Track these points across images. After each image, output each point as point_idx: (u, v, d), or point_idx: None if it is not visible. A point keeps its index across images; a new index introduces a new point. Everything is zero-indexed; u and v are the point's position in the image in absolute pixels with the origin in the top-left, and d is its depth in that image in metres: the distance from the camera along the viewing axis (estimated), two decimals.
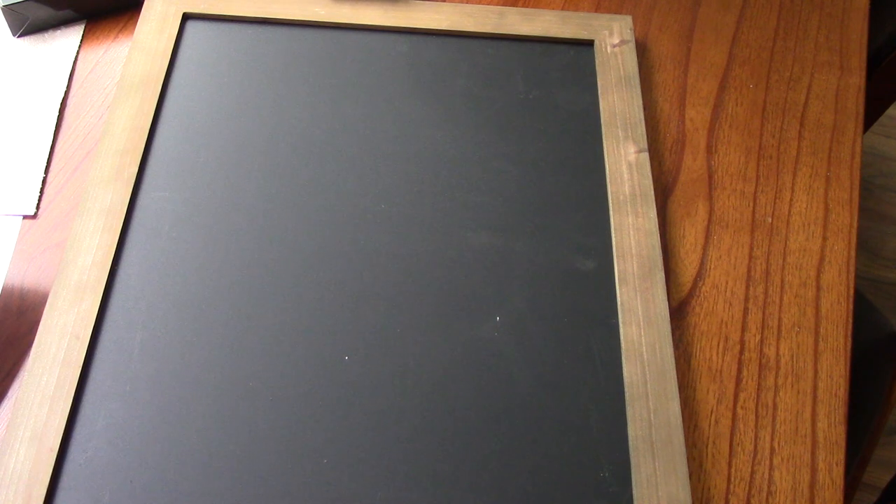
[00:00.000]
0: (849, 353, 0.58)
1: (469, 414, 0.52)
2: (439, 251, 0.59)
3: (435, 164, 0.63)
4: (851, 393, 0.57)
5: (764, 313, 0.60)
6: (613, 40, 0.70)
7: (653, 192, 0.62)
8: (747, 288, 0.61)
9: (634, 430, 0.52)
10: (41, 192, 0.62)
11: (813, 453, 0.54)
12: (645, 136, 0.64)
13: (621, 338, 0.55)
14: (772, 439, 0.55)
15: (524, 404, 0.53)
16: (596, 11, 0.75)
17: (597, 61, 0.69)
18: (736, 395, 0.56)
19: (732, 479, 0.53)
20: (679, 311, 0.59)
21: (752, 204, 0.65)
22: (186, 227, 0.59)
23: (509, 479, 0.50)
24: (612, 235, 0.60)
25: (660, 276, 0.58)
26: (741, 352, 0.58)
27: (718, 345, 0.58)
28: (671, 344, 0.55)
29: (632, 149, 0.64)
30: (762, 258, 0.62)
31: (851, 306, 0.60)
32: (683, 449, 0.51)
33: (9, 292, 0.57)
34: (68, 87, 0.68)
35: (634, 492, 0.50)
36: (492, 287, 0.57)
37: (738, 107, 0.71)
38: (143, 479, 0.49)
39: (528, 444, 0.52)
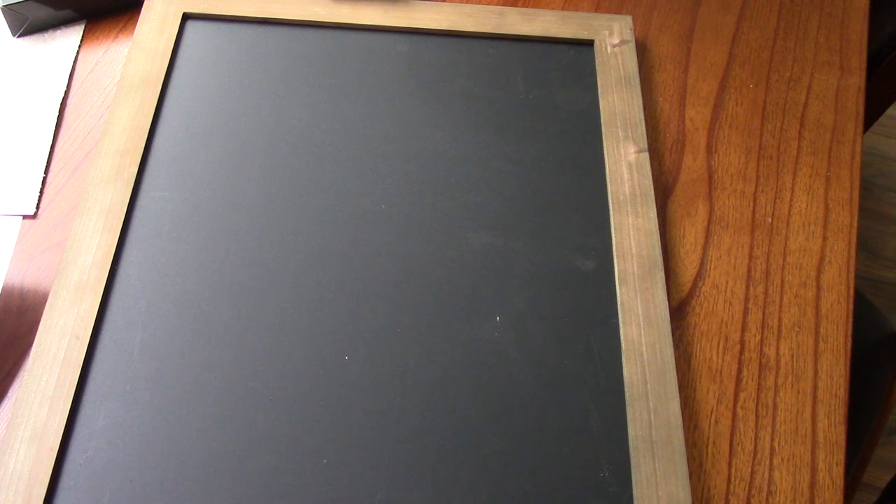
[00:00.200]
0: (849, 353, 0.58)
1: (469, 414, 0.52)
2: (439, 251, 0.59)
3: (435, 164, 0.63)
4: (851, 393, 0.57)
5: (764, 313, 0.60)
6: (613, 40, 0.70)
7: (653, 192, 0.62)
8: (747, 288, 0.61)
9: (634, 430, 0.52)
10: (41, 192, 0.62)
11: (813, 453, 0.54)
12: (645, 136, 0.64)
13: (621, 338, 0.55)
14: (772, 439, 0.55)
15: (524, 404, 0.53)
16: (596, 11, 0.75)
17: (597, 61, 0.69)
18: (736, 395, 0.56)
19: (732, 479, 0.53)
20: (679, 311, 0.59)
21: (752, 204, 0.65)
22: (186, 227, 0.59)
23: (509, 479, 0.50)
24: (612, 235, 0.60)
25: (660, 276, 0.58)
26: (741, 352, 0.58)
27: (718, 345, 0.58)
28: (671, 344, 0.55)
29: (632, 149, 0.64)
30: (762, 258, 0.62)
31: (851, 306, 0.60)
32: (683, 449, 0.51)
33: (9, 292, 0.57)
34: (68, 87, 0.68)
35: (634, 492, 0.50)
36: (492, 287, 0.57)
37: (738, 107, 0.71)
38: (143, 479, 0.49)
39: (528, 444, 0.52)
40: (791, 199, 0.65)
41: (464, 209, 0.61)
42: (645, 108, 0.67)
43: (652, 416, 0.52)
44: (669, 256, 0.62)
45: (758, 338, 0.59)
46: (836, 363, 0.58)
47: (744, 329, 0.59)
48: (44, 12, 0.69)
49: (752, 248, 0.63)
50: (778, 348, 0.58)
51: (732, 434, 0.55)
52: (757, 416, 0.55)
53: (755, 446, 0.54)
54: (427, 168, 0.63)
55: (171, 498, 0.48)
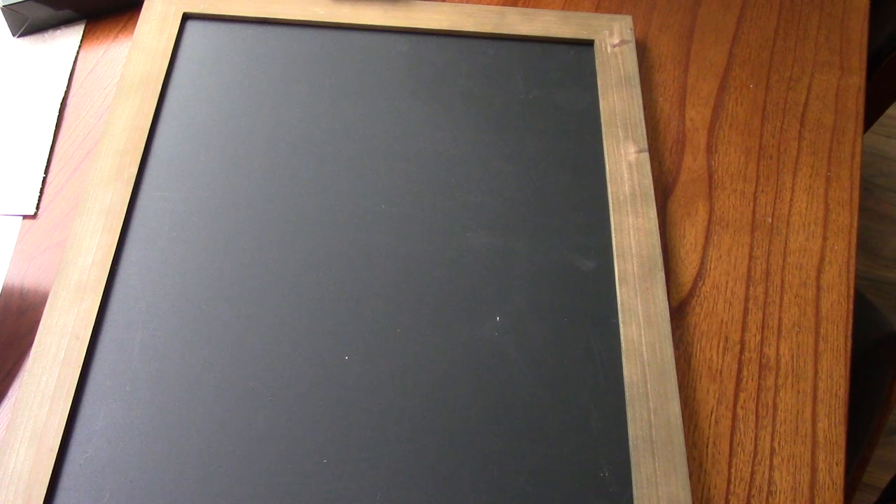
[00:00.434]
0: (849, 353, 0.58)
1: (469, 414, 0.52)
2: (439, 251, 0.59)
3: (435, 164, 0.63)
4: (851, 393, 0.57)
5: (764, 313, 0.60)
6: (613, 40, 0.70)
7: (653, 192, 0.62)
8: (747, 288, 0.61)
9: (634, 430, 0.52)
10: (41, 192, 0.62)
11: (813, 453, 0.54)
12: (645, 136, 0.64)
13: (621, 338, 0.55)
14: (772, 439, 0.55)
15: (524, 404, 0.53)
16: (596, 11, 0.75)
17: (597, 61, 0.69)
18: (736, 395, 0.56)
19: (732, 479, 0.53)
20: (679, 311, 0.59)
21: (752, 204, 0.65)
22: (186, 227, 0.59)
23: (509, 479, 0.50)
24: (612, 235, 0.60)
25: (660, 276, 0.58)
26: (741, 352, 0.58)
27: (718, 345, 0.58)
28: (671, 344, 0.55)
29: (632, 149, 0.64)
30: (762, 258, 0.62)
31: (851, 306, 0.60)
32: (683, 449, 0.51)
33: (9, 292, 0.57)
34: (68, 87, 0.68)
35: (634, 492, 0.50)
36: (492, 287, 0.57)
37: (738, 107, 0.71)
38: (143, 479, 0.49)
39: (528, 444, 0.52)
40: (791, 199, 0.65)
41: (464, 209, 0.61)
42: (645, 108, 0.67)
43: (652, 416, 0.52)
44: (669, 256, 0.62)
45: (758, 338, 0.59)
46: (836, 363, 0.58)
47: (744, 329, 0.59)
48: (44, 12, 0.69)
49: (752, 248, 0.63)
50: (778, 348, 0.58)
51: (732, 434, 0.55)
52: (757, 416, 0.55)
53: (755, 446, 0.54)
54: (427, 168, 0.63)
55: (171, 498, 0.48)
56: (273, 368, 0.53)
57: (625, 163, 0.63)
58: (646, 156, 0.64)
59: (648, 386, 0.54)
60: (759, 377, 0.57)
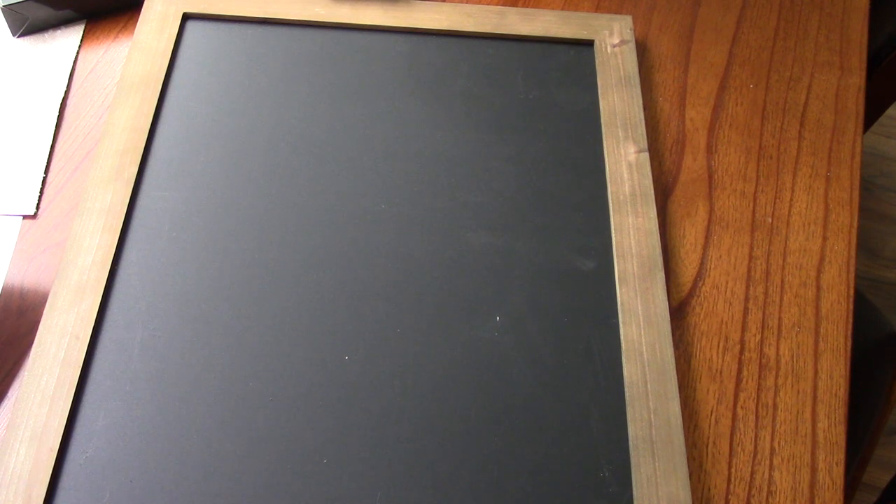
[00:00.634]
0: (849, 353, 0.58)
1: (469, 414, 0.52)
2: (439, 251, 0.59)
3: (435, 164, 0.63)
4: (851, 393, 0.57)
5: (764, 313, 0.60)
6: (613, 40, 0.70)
7: (653, 192, 0.62)
8: (747, 288, 0.61)
9: (634, 430, 0.52)
10: (41, 192, 0.62)
11: (813, 453, 0.54)
12: (645, 136, 0.64)
13: (621, 338, 0.55)
14: (772, 439, 0.55)
15: (524, 404, 0.53)
16: (596, 11, 0.75)
17: (597, 61, 0.69)
18: (736, 395, 0.56)
19: (732, 479, 0.53)
20: (679, 311, 0.59)
21: (752, 204, 0.65)
22: (186, 227, 0.59)
23: (509, 479, 0.50)
24: (612, 235, 0.60)
25: (660, 276, 0.58)
26: (741, 352, 0.58)
27: (718, 345, 0.58)
28: (671, 344, 0.55)
29: (632, 149, 0.64)
30: (762, 258, 0.62)
31: (851, 306, 0.60)
32: (683, 449, 0.51)
33: (9, 292, 0.57)
34: (68, 87, 0.68)
35: (634, 492, 0.50)
36: (492, 287, 0.57)
37: (738, 107, 0.71)
38: (143, 479, 0.49)
39: (528, 444, 0.52)
40: (791, 199, 0.65)
41: (464, 209, 0.61)
42: (645, 108, 0.67)
43: (652, 416, 0.52)
44: (669, 256, 0.62)
45: (758, 338, 0.59)
46: (836, 363, 0.58)
47: (744, 329, 0.59)
48: (44, 12, 0.69)
49: (752, 248, 0.63)
50: (778, 348, 0.58)
51: (732, 434, 0.55)
52: (757, 416, 0.55)
53: (755, 446, 0.54)
54: (427, 168, 0.63)
55: (171, 498, 0.48)
56: (273, 368, 0.53)
57: (625, 163, 0.63)
58: (646, 156, 0.64)
59: (648, 386, 0.54)
60: (759, 377, 0.57)
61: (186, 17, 0.69)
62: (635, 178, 0.62)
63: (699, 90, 0.71)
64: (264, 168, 0.62)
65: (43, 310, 0.54)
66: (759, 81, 0.72)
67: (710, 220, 0.64)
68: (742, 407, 0.56)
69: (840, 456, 0.54)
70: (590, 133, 0.65)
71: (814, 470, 0.54)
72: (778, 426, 0.55)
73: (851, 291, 0.61)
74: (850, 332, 0.59)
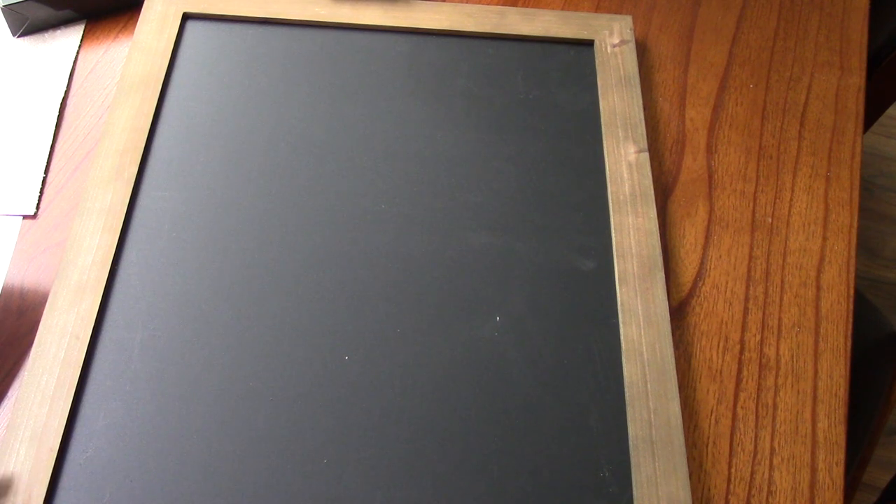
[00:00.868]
0: (849, 353, 0.58)
1: (469, 414, 0.52)
2: (439, 251, 0.59)
3: (435, 164, 0.63)
4: (851, 393, 0.57)
5: (764, 313, 0.60)
6: (613, 40, 0.70)
7: (653, 192, 0.62)
8: (747, 288, 0.61)
9: (634, 430, 0.52)
10: (41, 192, 0.62)
11: (813, 453, 0.54)
12: (645, 136, 0.64)
13: (621, 338, 0.55)
14: (772, 439, 0.55)
15: (524, 404, 0.53)
16: (596, 11, 0.75)
17: (597, 61, 0.69)
18: (736, 395, 0.56)
19: (732, 479, 0.53)
20: (679, 311, 0.59)
21: (752, 204, 0.65)
22: (186, 227, 0.59)
23: (509, 479, 0.50)
24: (612, 235, 0.60)
25: (660, 276, 0.58)
26: (741, 352, 0.58)
27: (718, 345, 0.58)
28: (671, 344, 0.55)
29: (632, 149, 0.64)
30: (762, 258, 0.62)
31: (851, 306, 0.60)
32: (683, 449, 0.51)
33: (9, 292, 0.57)
34: (68, 87, 0.68)
35: (634, 492, 0.50)
36: (492, 287, 0.57)
37: (738, 107, 0.71)
38: (143, 479, 0.49)
39: (528, 444, 0.52)
40: (791, 199, 0.65)
41: (464, 209, 0.61)
42: (645, 108, 0.67)
43: (652, 416, 0.52)
44: (669, 256, 0.62)
45: (758, 338, 0.59)
46: (836, 363, 0.58)
47: (744, 329, 0.59)
48: (44, 12, 0.69)
49: (752, 248, 0.63)
50: (778, 348, 0.58)
51: (732, 434, 0.55)
52: (757, 416, 0.55)
53: (755, 446, 0.54)
54: (427, 168, 0.63)
55: (171, 498, 0.48)
56: (273, 368, 0.53)
57: (625, 163, 0.63)
58: (646, 156, 0.64)
59: (648, 386, 0.54)
60: (759, 377, 0.57)
61: (186, 17, 0.69)
62: (635, 178, 0.62)
63: (699, 90, 0.71)
64: (264, 168, 0.62)
65: (43, 310, 0.54)
66: (759, 81, 0.72)
67: (710, 220, 0.64)
68: (742, 407, 0.56)
69: (840, 456, 0.54)
70: (590, 133, 0.65)
71: (814, 470, 0.54)
72: (778, 426, 0.55)
73: (851, 291, 0.61)
74: (850, 332, 0.59)
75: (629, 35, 0.70)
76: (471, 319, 0.56)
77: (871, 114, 1.01)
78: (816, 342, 0.59)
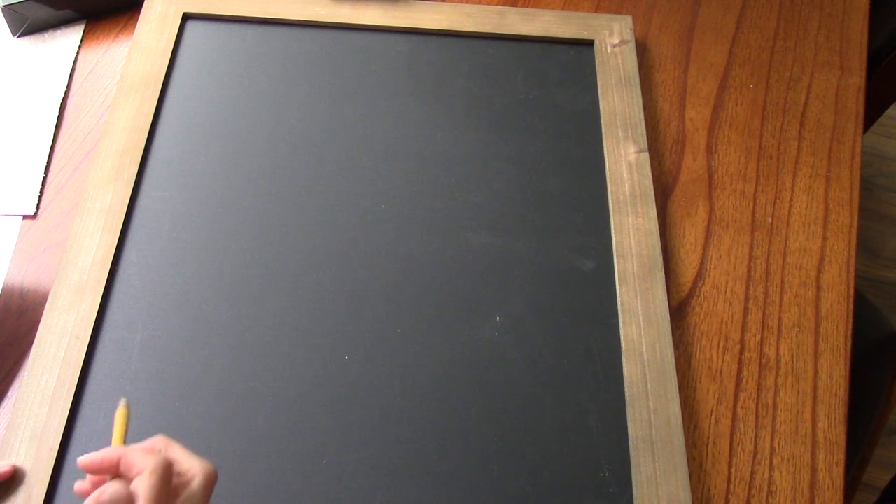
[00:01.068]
0: (849, 353, 0.58)
1: (469, 414, 0.52)
2: (439, 251, 0.59)
3: (435, 164, 0.63)
4: (851, 393, 0.57)
5: (764, 313, 0.60)
6: (613, 40, 0.70)
7: (653, 192, 0.62)
8: (747, 288, 0.61)
9: (634, 430, 0.52)
10: (41, 192, 0.62)
11: (813, 453, 0.54)
12: (645, 136, 0.64)
13: (621, 338, 0.55)
14: (772, 439, 0.55)
15: (524, 404, 0.53)
16: (596, 11, 0.75)
17: (597, 61, 0.69)
18: (736, 395, 0.56)
19: (732, 479, 0.53)
20: (679, 311, 0.59)
21: (752, 204, 0.65)
22: (186, 227, 0.59)
23: (509, 479, 0.50)
24: (612, 235, 0.60)
25: (660, 276, 0.58)
26: (741, 352, 0.58)
27: (718, 345, 0.58)
28: (671, 344, 0.55)
29: (632, 149, 0.64)
30: (762, 258, 0.62)
31: (851, 306, 0.60)
32: (683, 449, 0.51)
33: (9, 292, 0.57)
34: (68, 87, 0.68)
35: (634, 492, 0.50)
36: (492, 287, 0.57)
37: (738, 107, 0.71)
38: None
39: (528, 444, 0.52)
40: (791, 199, 0.65)
41: (464, 209, 0.61)
42: (645, 108, 0.67)
43: (652, 416, 0.52)
44: (669, 256, 0.62)
45: (758, 338, 0.59)
46: (836, 363, 0.58)
47: (744, 329, 0.59)
48: (44, 12, 0.69)
49: (752, 248, 0.63)
50: (778, 348, 0.58)
51: (732, 434, 0.55)
52: (757, 416, 0.55)
53: (755, 446, 0.54)
54: (427, 168, 0.63)
55: None
56: (273, 368, 0.53)
57: (625, 163, 0.63)
58: (646, 156, 0.63)
59: (648, 386, 0.54)
60: (759, 377, 0.57)
61: (186, 17, 0.69)
62: (635, 178, 0.62)
63: (699, 90, 0.71)
64: (264, 168, 0.62)
65: (43, 310, 0.54)
66: (759, 81, 0.72)
67: (710, 220, 0.64)
68: (742, 407, 0.56)
69: (840, 456, 0.54)
70: (590, 133, 0.65)
71: (814, 470, 0.54)
72: (778, 426, 0.55)
73: (851, 291, 0.61)
74: (850, 332, 0.59)
75: (629, 35, 0.70)
76: (471, 319, 0.56)
77: (871, 114, 1.00)
78: (816, 342, 0.59)
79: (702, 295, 0.60)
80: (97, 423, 0.50)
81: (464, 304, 0.57)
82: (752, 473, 0.54)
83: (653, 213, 0.61)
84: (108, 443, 0.50)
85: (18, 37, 0.70)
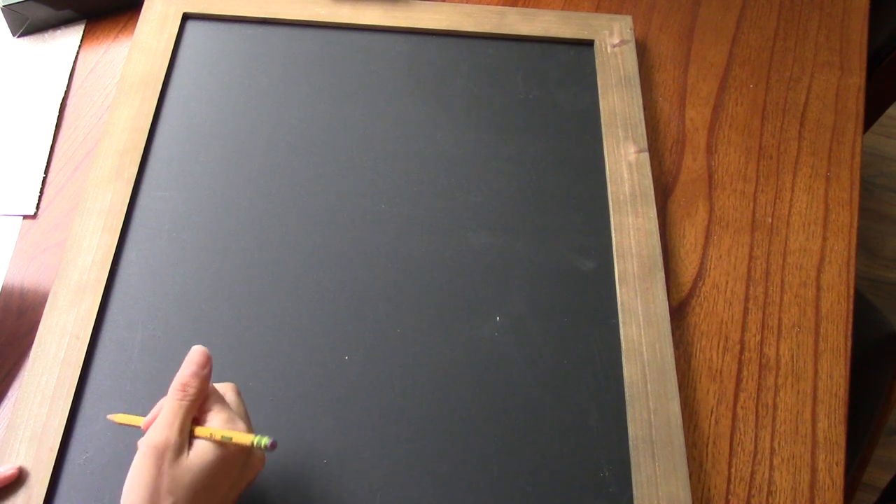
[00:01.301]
0: (849, 353, 0.58)
1: (469, 414, 0.52)
2: (439, 251, 0.59)
3: (435, 164, 0.63)
4: (851, 393, 0.57)
5: (764, 313, 0.60)
6: (613, 40, 0.70)
7: (653, 192, 0.62)
8: (747, 288, 0.61)
9: (634, 430, 0.52)
10: (41, 192, 0.62)
11: (813, 453, 0.54)
12: (645, 136, 0.64)
13: (621, 338, 0.55)
14: (772, 439, 0.55)
15: (524, 404, 0.53)
16: (596, 11, 0.75)
17: (597, 61, 0.69)
18: (736, 395, 0.56)
19: (732, 479, 0.53)
20: (679, 311, 0.59)
21: (752, 204, 0.65)
22: (186, 227, 0.59)
23: (509, 479, 0.50)
24: (612, 235, 0.60)
25: (660, 276, 0.58)
26: (741, 352, 0.58)
27: (718, 345, 0.58)
28: (671, 344, 0.55)
29: (632, 149, 0.64)
30: (762, 258, 0.62)
31: (851, 306, 0.60)
32: (683, 449, 0.51)
33: (9, 292, 0.57)
34: (68, 87, 0.68)
35: (634, 492, 0.50)
36: (492, 287, 0.57)
37: (738, 107, 0.71)
38: None
39: (528, 444, 0.52)
40: (791, 199, 0.65)
41: (464, 209, 0.61)
42: (645, 108, 0.67)
43: (652, 416, 0.52)
44: (669, 256, 0.62)
45: (758, 338, 0.59)
46: (836, 363, 0.58)
47: (744, 329, 0.59)
48: (44, 12, 0.69)
49: (752, 248, 0.63)
50: (778, 348, 0.58)
51: (732, 434, 0.55)
52: (757, 416, 0.55)
53: (755, 446, 0.54)
54: (427, 168, 0.63)
55: None
56: (273, 368, 0.53)
57: (625, 163, 0.63)
58: (646, 156, 0.64)
59: (648, 386, 0.54)
60: (759, 377, 0.57)
61: (186, 17, 0.69)
62: (635, 178, 0.62)
63: (699, 90, 0.71)
64: (264, 168, 0.62)
65: (43, 310, 0.54)
66: (759, 81, 0.72)
67: (710, 220, 0.64)
68: (742, 407, 0.56)
69: (840, 456, 0.54)
70: (590, 133, 0.65)
71: (814, 470, 0.54)
72: (778, 426, 0.55)
73: (851, 291, 0.61)
74: (850, 332, 0.59)
75: (629, 35, 0.70)
76: (471, 319, 0.56)
77: (871, 114, 1.01)
78: (816, 342, 0.59)
79: (702, 295, 0.60)
80: (97, 423, 0.50)
81: (464, 304, 0.57)
82: (752, 473, 0.54)
83: (653, 213, 0.61)
84: (107, 442, 0.50)
85: (18, 37, 0.70)
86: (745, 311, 0.60)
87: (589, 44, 0.70)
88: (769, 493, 0.53)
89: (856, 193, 0.66)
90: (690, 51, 0.74)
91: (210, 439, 0.42)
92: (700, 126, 0.69)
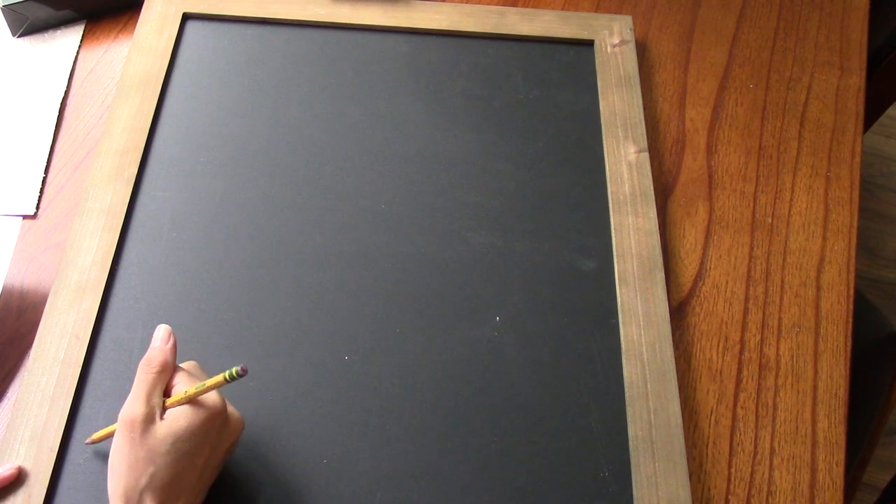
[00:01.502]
0: (849, 353, 0.58)
1: (469, 413, 0.52)
2: (439, 251, 0.59)
3: (435, 165, 0.63)
4: (851, 393, 0.57)
5: (764, 313, 0.60)
6: (613, 40, 0.70)
7: (653, 192, 0.62)
8: (747, 288, 0.61)
9: (634, 430, 0.52)
10: (41, 192, 0.62)
11: (813, 453, 0.54)
12: (645, 136, 0.64)
13: (621, 338, 0.55)
14: (772, 439, 0.55)
15: (524, 404, 0.53)
16: (596, 11, 0.75)
17: (597, 61, 0.69)
18: (736, 395, 0.56)
19: (732, 479, 0.53)
20: (679, 311, 0.59)
21: (752, 204, 0.65)
22: (186, 227, 0.59)
23: (509, 479, 0.50)
24: (612, 235, 0.60)
25: (660, 276, 0.58)
26: (741, 352, 0.58)
27: (718, 345, 0.58)
28: (671, 344, 0.55)
29: (632, 149, 0.64)
30: (762, 258, 0.62)
31: (851, 306, 0.60)
32: (683, 449, 0.51)
33: (9, 292, 0.57)
34: (68, 87, 0.68)
35: (634, 492, 0.50)
36: (492, 287, 0.57)
37: (738, 107, 0.71)
38: None
39: (528, 443, 0.52)
40: (791, 199, 0.65)
41: (464, 209, 0.61)
42: (645, 108, 0.67)
43: (652, 416, 0.52)
44: (669, 256, 0.62)
45: (758, 338, 0.59)
46: (836, 363, 0.58)
47: (744, 329, 0.59)
48: (44, 12, 0.69)
49: (752, 248, 0.63)
50: (778, 348, 0.58)
51: (732, 434, 0.55)
52: (757, 416, 0.55)
53: (755, 446, 0.54)
54: (427, 168, 0.63)
55: None
56: (273, 368, 0.53)
57: (625, 163, 0.63)
58: (646, 156, 0.64)
59: (648, 386, 0.54)
60: (759, 377, 0.57)
61: (186, 17, 0.69)
62: (635, 178, 0.62)
63: (699, 90, 0.71)
64: (264, 168, 0.62)
65: (43, 310, 0.54)
66: (759, 81, 0.72)
67: (710, 220, 0.64)
68: (742, 407, 0.56)
69: (840, 456, 0.54)
70: (590, 133, 0.65)
71: (814, 470, 0.54)
72: (778, 426, 0.55)
73: (851, 291, 0.61)
74: (850, 332, 0.59)
75: (629, 35, 0.70)
76: (471, 319, 0.56)
77: (871, 114, 1.00)
78: (816, 342, 0.59)
79: (702, 295, 0.60)
80: (97, 423, 0.50)
81: (463, 304, 0.57)
82: (752, 473, 0.54)
83: (653, 213, 0.61)
84: (107, 443, 0.50)
85: (18, 37, 0.70)
86: (745, 311, 0.60)
87: (589, 44, 0.70)
88: (769, 493, 0.53)
89: (856, 193, 0.66)
90: (690, 51, 0.74)
91: (183, 400, 0.43)
92: (700, 126, 0.69)
